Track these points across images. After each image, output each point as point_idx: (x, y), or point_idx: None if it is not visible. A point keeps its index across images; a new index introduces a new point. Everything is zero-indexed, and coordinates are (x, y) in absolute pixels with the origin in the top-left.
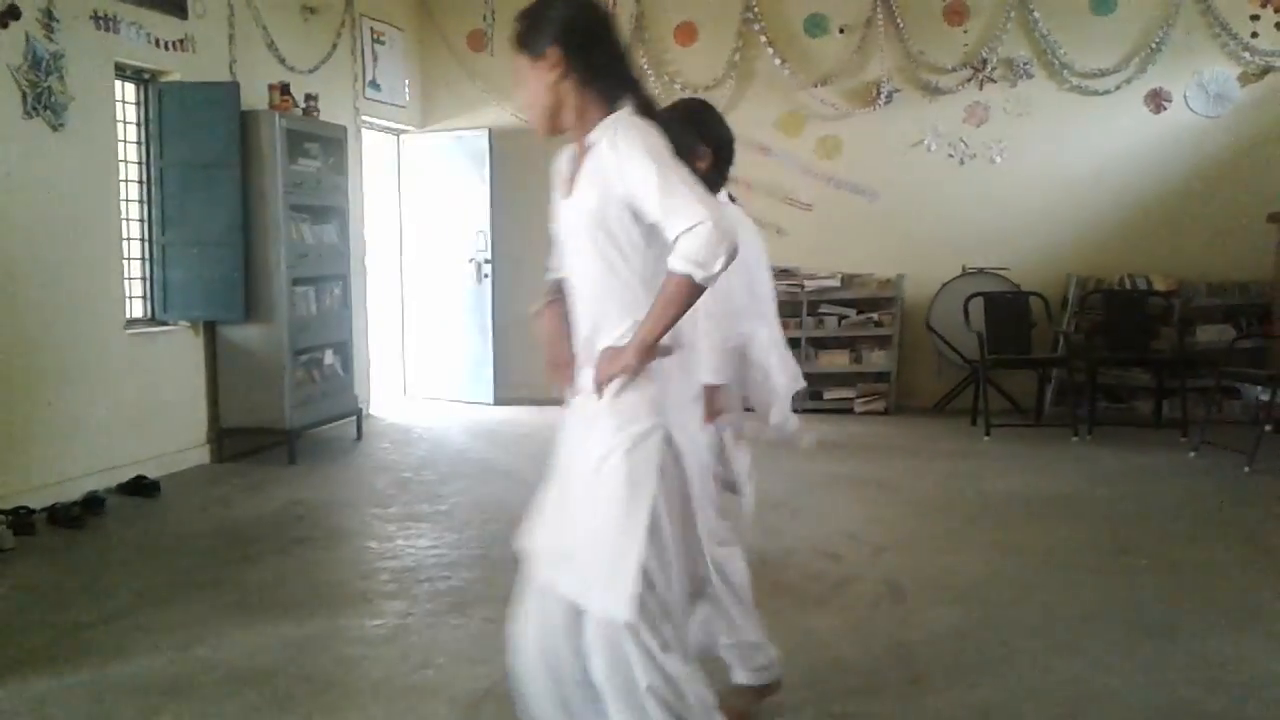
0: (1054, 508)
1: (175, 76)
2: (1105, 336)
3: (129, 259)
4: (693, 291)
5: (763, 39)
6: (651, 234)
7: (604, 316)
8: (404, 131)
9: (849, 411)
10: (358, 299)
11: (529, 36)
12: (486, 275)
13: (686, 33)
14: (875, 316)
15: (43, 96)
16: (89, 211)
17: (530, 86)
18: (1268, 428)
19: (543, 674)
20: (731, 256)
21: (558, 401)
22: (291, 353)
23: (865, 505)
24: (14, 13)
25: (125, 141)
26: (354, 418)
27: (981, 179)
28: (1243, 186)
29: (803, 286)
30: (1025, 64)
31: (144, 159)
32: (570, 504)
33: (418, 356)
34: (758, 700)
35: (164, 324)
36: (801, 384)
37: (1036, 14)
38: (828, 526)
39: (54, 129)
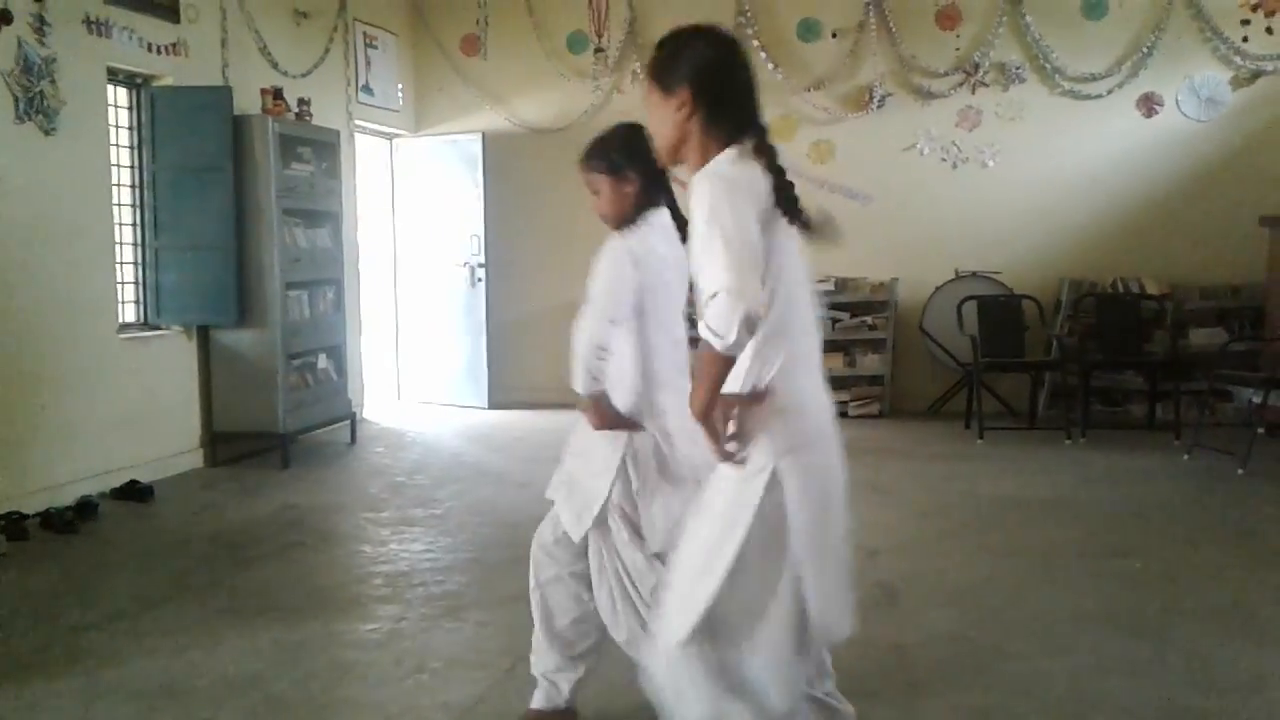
0: (1048, 510)
1: (168, 81)
2: (1098, 340)
3: (122, 263)
4: (717, 360)
5: (755, 43)
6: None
7: None
8: (397, 135)
9: (843, 415)
10: (351, 303)
11: (663, 70)
12: (480, 279)
13: None
14: (869, 320)
15: (35, 101)
16: (81, 216)
17: (657, 118)
18: (1260, 430)
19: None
20: (748, 326)
21: (550, 405)
22: (285, 357)
23: (859, 509)
24: (5, 17)
25: (118, 146)
26: (347, 422)
27: (974, 183)
28: (1234, 190)
29: None
30: (1017, 68)
31: (136, 163)
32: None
33: (411, 360)
34: None
35: (157, 328)
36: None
37: (1028, 18)
38: None
39: (46, 134)
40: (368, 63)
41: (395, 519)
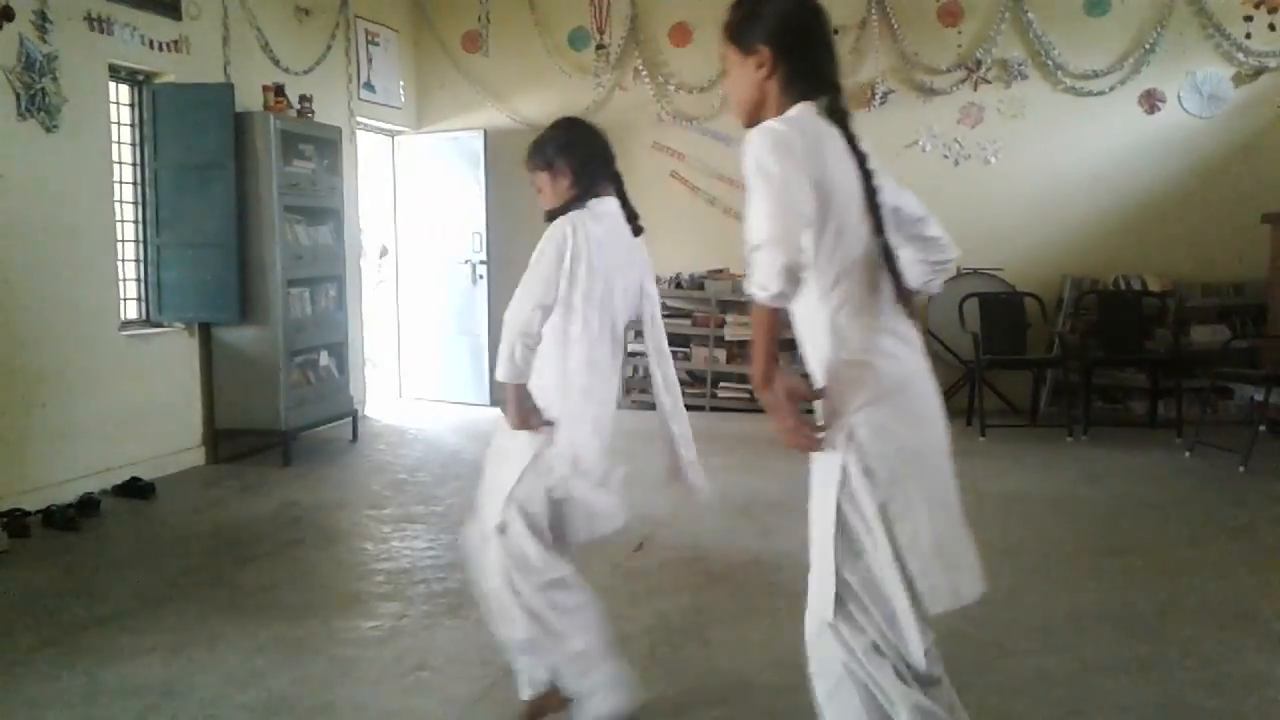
0: (1049, 508)
1: (169, 78)
2: (1100, 337)
3: (123, 261)
4: (764, 312)
5: None
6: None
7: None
8: (399, 133)
9: None
10: (352, 300)
11: (741, 30)
12: (481, 276)
13: (681, 33)
14: None
15: (36, 98)
16: (83, 213)
17: (734, 79)
18: (1262, 428)
19: None
20: (791, 274)
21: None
22: (286, 354)
23: None
24: (7, 14)
25: (119, 143)
26: (349, 419)
27: (976, 180)
28: (1237, 187)
29: None
30: (1020, 65)
31: (138, 160)
32: None
33: (413, 358)
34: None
35: (159, 325)
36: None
37: (1031, 15)
38: None
39: (48, 130)
40: (369, 60)
41: (397, 516)
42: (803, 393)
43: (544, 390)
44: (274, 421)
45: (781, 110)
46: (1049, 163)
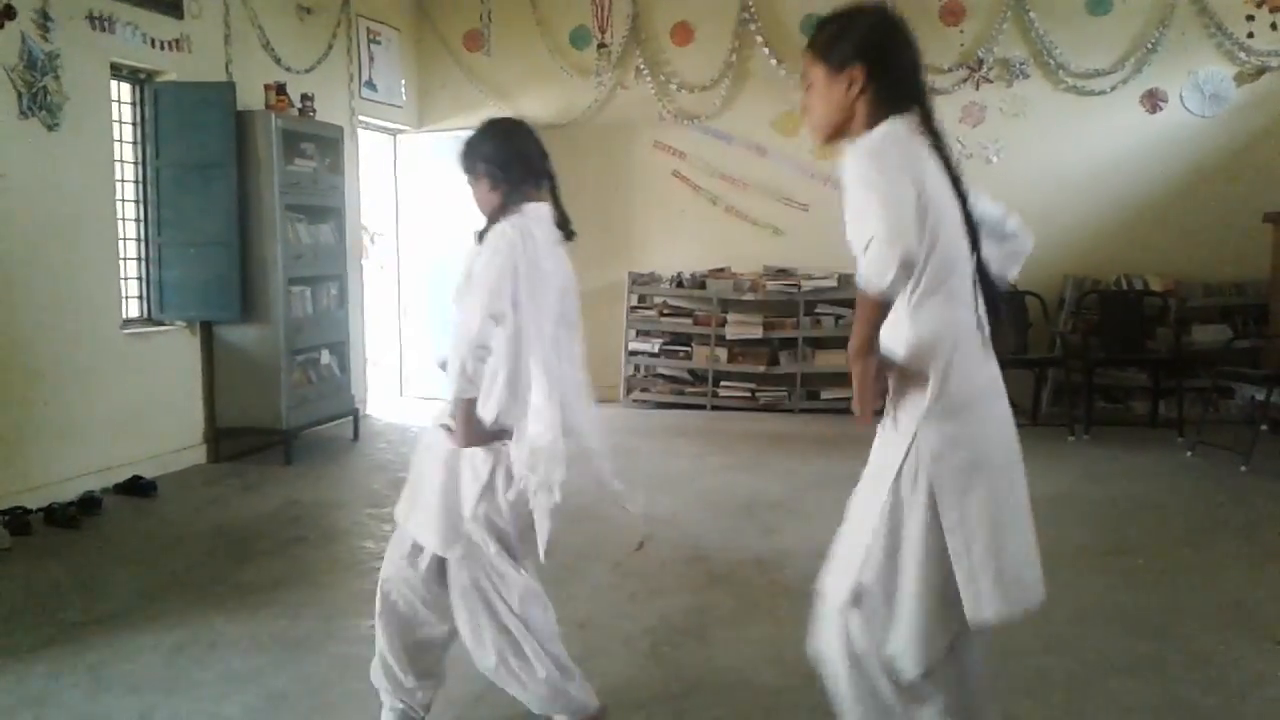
0: (1050, 507)
1: (171, 76)
2: (1101, 336)
3: (125, 259)
4: (871, 303)
5: (759, 39)
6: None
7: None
8: (400, 131)
9: (846, 411)
10: (354, 299)
11: (831, 47)
12: None
13: (683, 33)
14: None
15: (38, 96)
16: (85, 212)
17: (821, 97)
18: (1263, 427)
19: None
20: (904, 265)
21: None
22: (288, 353)
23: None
24: (9, 12)
25: (121, 141)
26: (350, 418)
27: (977, 179)
28: (1239, 186)
29: (799, 286)
30: (1021, 64)
31: (140, 159)
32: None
33: (414, 356)
34: None
35: (160, 324)
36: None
37: (1032, 14)
38: (825, 527)
39: (49, 129)
40: (371, 58)
41: None
42: (889, 371)
43: (495, 401)
44: (275, 420)
45: (869, 126)
46: (1050, 162)
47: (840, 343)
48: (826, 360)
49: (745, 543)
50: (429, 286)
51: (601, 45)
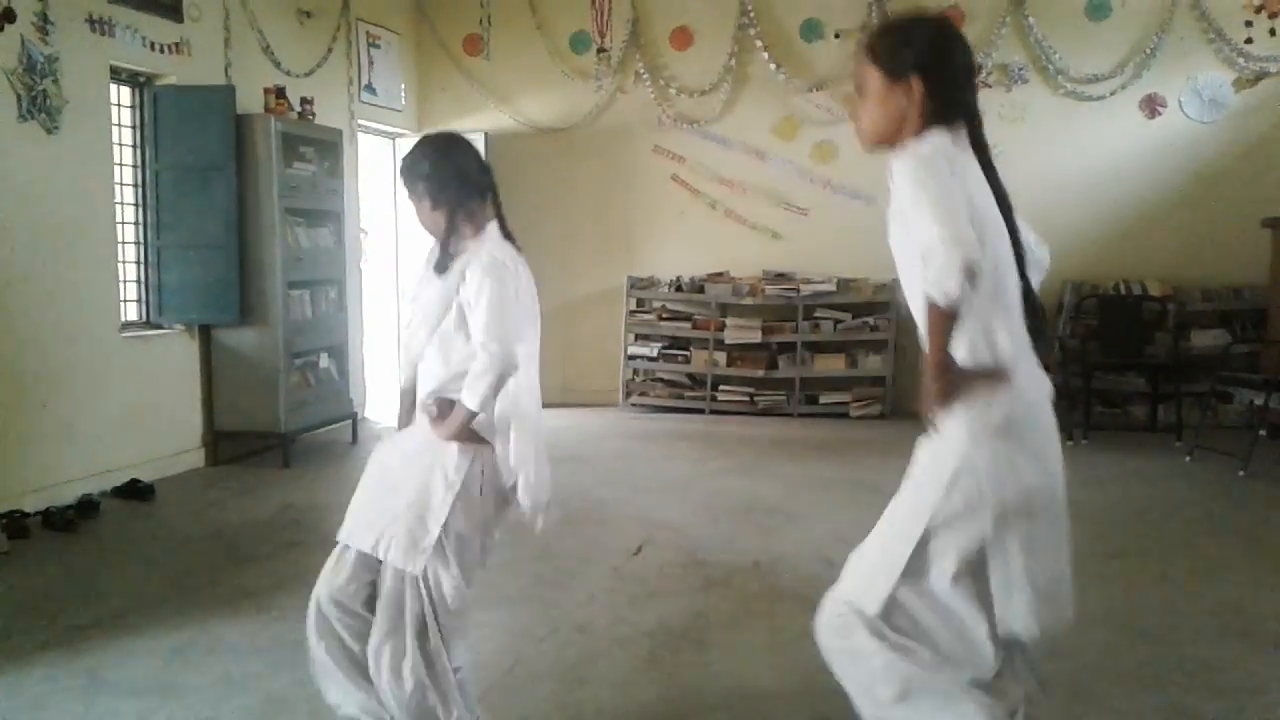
0: None
1: (170, 80)
2: (1100, 341)
3: (124, 262)
4: (939, 315)
5: (758, 44)
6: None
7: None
8: (400, 135)
9: (844, 415)
10: (353, 303)
11: (892, 56)
12: None
13: (682, 37)
14: (871, 321)
15: (38, 100)
16: (84, 215)
17: (875, 104)
18: (1262, 432)
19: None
20: (968, 271)
21: (551, 404)
22: (286, 356)
23: (860, 509)
24: (9, 16)
25: (120, 145)
26: (349, 421)
27: None
28: (1237, 192)
29: (798, 291)
30: (1020, 69)
31: (139, 162)
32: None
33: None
34: None
35: (159, 327)
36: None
37: (1031, 19)
38: (823, 531)
39: (49, 132)
40: (370, 62)
41: None
42: (966, 385)
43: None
44: (274, 423)
45: (917, 136)
46: (1049, 167)
47: (839, 347)
48: (825, 365)
49: (743, 547)
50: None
51: (601, 50)
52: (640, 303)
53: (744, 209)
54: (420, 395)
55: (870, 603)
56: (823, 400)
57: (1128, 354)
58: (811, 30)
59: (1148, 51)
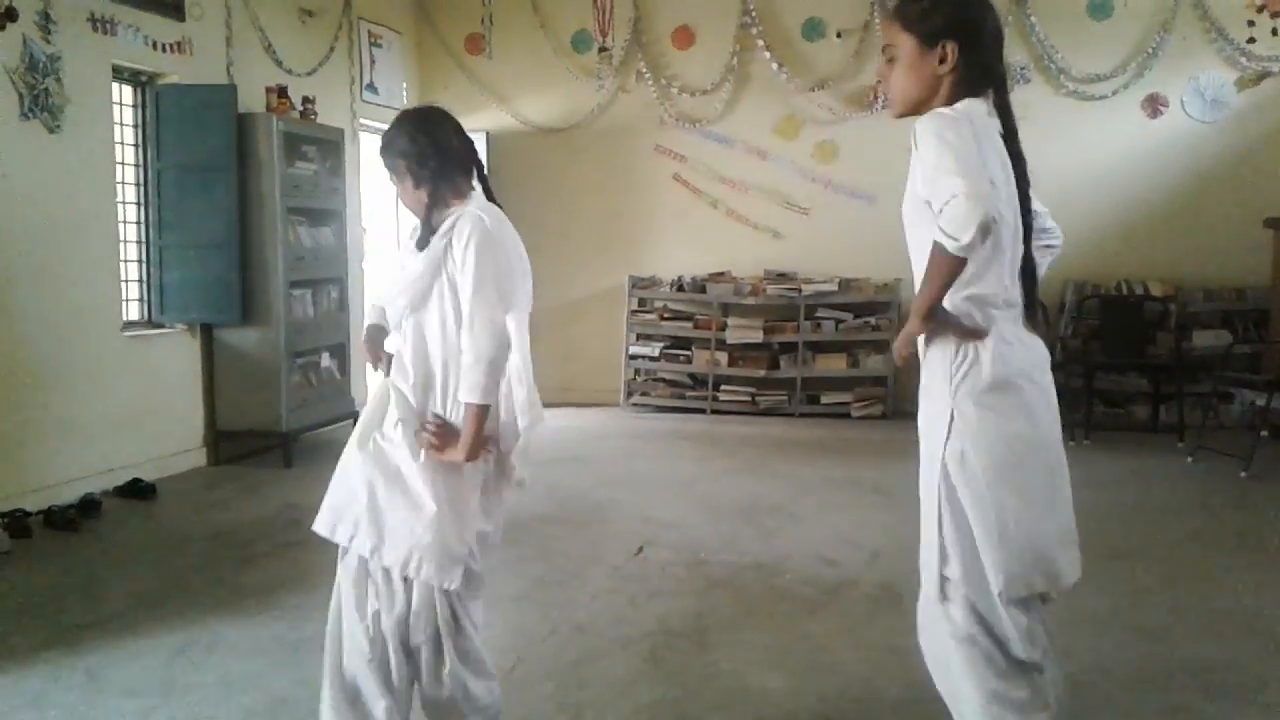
0: None
1: (172, 79)
2: (1102, 341)
3: (126, 261)
4: (948, 262)
5: (760, 43)
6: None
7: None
8: None
9: (846, 416)
10: (355, 302)
11: (925, 21)
12: None
13: (684, 36)
14: (872, 320)
15: (40, 98)
16: (86, 214)
17: (908, 70)
18: (1264, 433)
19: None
20: (985, 228)
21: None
22: (288, 355)
23: (862, 510)
24: (11, 14)
25: (122, 144)
26: (350, 420)
27: None
28: (1239, 191)
29: (800, 290)
30: (1022, 69)
31: (141, 161)
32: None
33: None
34: None
35: (161, 326)
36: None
37: (1034, 18)
38: (824, 531)
39: (51, 131)
40: (372, 61)
41: None
42: (946, 329)
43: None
44: (275, 423)
45: (948, 103)
46: (1051, 167)
47: (840, 347)
48: (826, 365)
49: (745, 547)
50: None
51: (603, 49)
52: (642, 302)
53: (746, 208)
54: (401, 383)
55: (934, 592)
56: (824, 400)
57: (1129, 354)
58: (813, 29)
59: (1150, 51)
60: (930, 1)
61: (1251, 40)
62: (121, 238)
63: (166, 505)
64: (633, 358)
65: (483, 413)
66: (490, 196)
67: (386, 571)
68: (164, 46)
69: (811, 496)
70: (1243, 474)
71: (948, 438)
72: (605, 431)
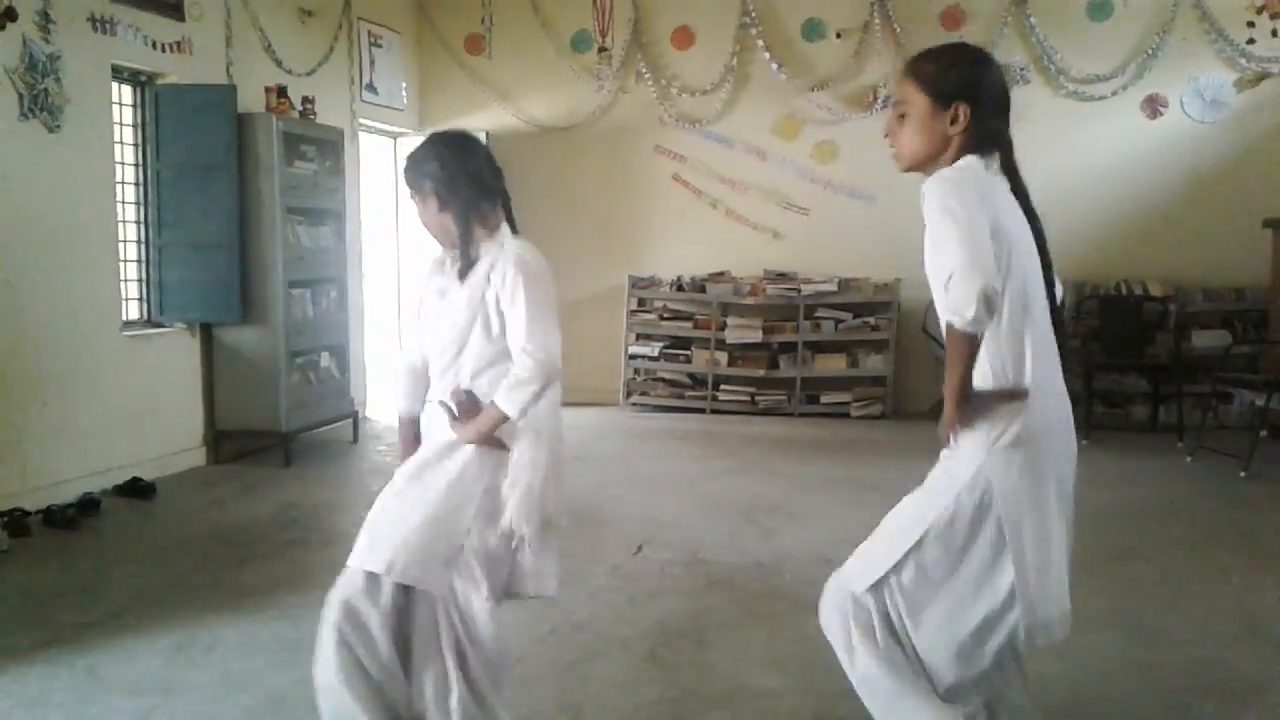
0: None
1: (172, 79)
2: (1101, 342)
3: (125, 261)
4: (962, 340)
5: (760, 43)
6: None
7: None
8: (401, 134)
9: (845, 415)
10: (354, 302)
11: (940, 81)
12: None
13: (684, 37)
14: (872, 320)
15: (39, 98)
16: (86, 213)
17: (918, 127)
18: (1263, 433)
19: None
20: (986, 299)
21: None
22: (288, 355)
23: (861, 509)
24: (11, 14)
25: (122, 144)
26: (350, 420)
27: None
28: (1239, 192)
29: (799, 290)
30: (1022, 69)
31: (140, 161)
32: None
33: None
34: None
35: (160, 326)
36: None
37: (1033, 19)
38: (824, 531)
39: (51, 131)
40: (372, 61)
41: None
42: (985, 408)
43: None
44: (274, 422)
45: (951, 162)
46: (1051, 167)
47: (840, 347)
48: (826, 364)
49: (744, 547)
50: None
51: (602, 49)
52: (641, 302)
53: (745, 208)
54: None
55: (860, 584)
56: (824, 400)
57: (1129, 354)
58: (813, 30)
59: (1149, 52)
60: (947, 62)
61: (1251, 41)
62: (121, 237)
63: (166, 504)
64: (632, 357)
65: (504, 419)
66: (513, 228)
67: (378, 582)
68: (163, 46)
69: (811, 496)
70: (1242, 474)
71: (973, 479)
72: (604, 431)
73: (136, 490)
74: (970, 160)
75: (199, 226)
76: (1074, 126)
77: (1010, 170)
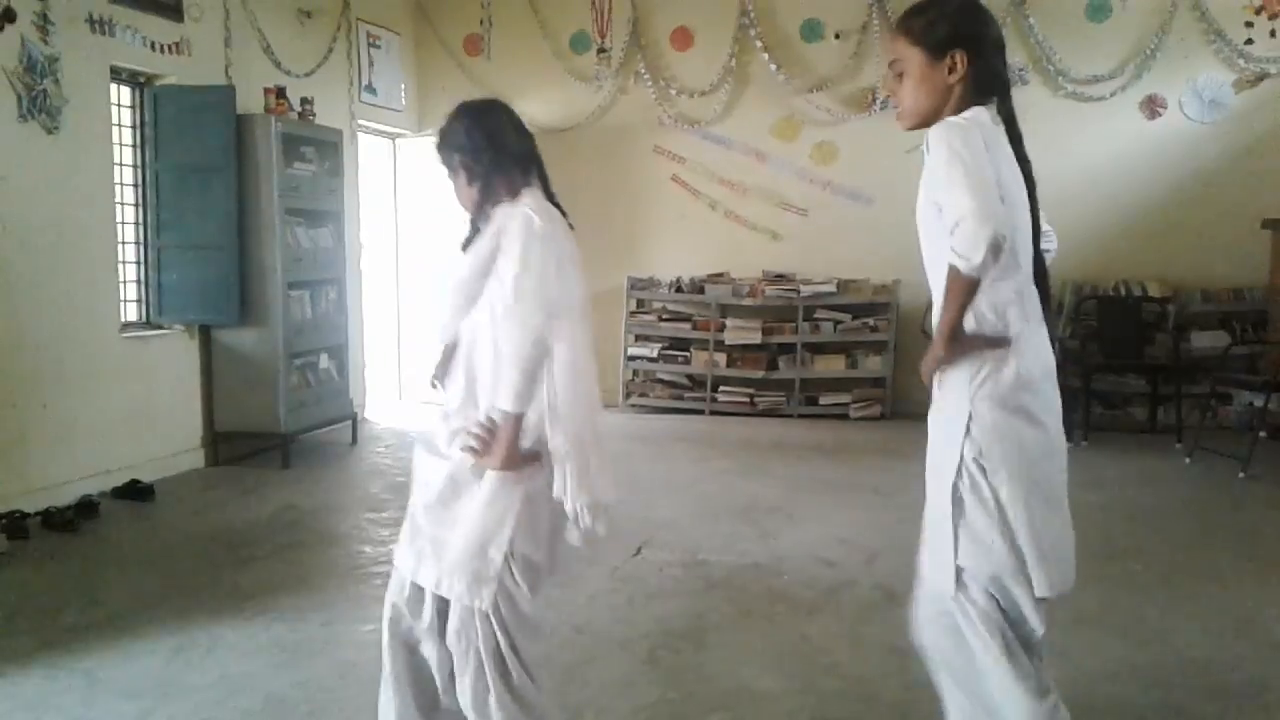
0: None
1: (171, 80)
2: (1100, 343)
3: (124, 262)
4: (964, 282)
5: (758, 44)
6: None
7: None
8: (400, 135)
9: (844, 417)
10: (353, 303)
11: (931, 32)
12: None
13: (682, 37)
14: (871, 322)
15: (38, 99)
16: (84, 215)
17: (918, 82)
18: (1262, 434)
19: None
20: (995, 246)
21: None
22: (286, 356)
23: (860, 511)
24: (9, 15)
25: (120, 145)
26: (349, 422)
27: None
28: (1237, 192)
29: (798, 291)
30: (1020, 70)
31: (139, 162)
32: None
33: (413, 360)
34: None
35: (159, 327)
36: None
37: (1032, 20)
38: (822, 532)
39: (49, 132)
40: (371, 62)
41: (396, 519)
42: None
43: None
44: (273, 424)
45: (957, 112)
46: (1049, 168)
47: (838, 348)
48: (825, 365)
49: (743, 548)
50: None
51: (601, 50)
52: (640, 303)
53: (744, 209)
54: (450, 392)
55: (947, 586)
56: (823, 401)
57: (1128, 355)
58: (812, 31)
59: (1148, 52)
60: (935, 13)
61: (1249, 41)
62: (120, 239)
63: (164, 506)
64: (631, 358)
65: (516, 421)
66: (550, 196)
67: (423, 591)
68: (162, 47)
69: (810, 497)
70: (1241, 474)
71: (966, 435)
72: (604, 432)
73: (135, 492)
74: (977, 111)
75: (198, 228)
76: (1073, 127)
77: (1007, 114)
